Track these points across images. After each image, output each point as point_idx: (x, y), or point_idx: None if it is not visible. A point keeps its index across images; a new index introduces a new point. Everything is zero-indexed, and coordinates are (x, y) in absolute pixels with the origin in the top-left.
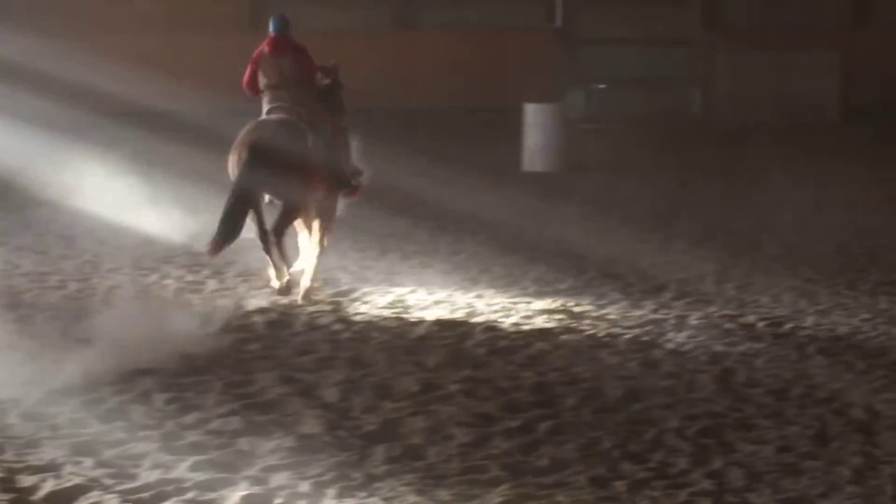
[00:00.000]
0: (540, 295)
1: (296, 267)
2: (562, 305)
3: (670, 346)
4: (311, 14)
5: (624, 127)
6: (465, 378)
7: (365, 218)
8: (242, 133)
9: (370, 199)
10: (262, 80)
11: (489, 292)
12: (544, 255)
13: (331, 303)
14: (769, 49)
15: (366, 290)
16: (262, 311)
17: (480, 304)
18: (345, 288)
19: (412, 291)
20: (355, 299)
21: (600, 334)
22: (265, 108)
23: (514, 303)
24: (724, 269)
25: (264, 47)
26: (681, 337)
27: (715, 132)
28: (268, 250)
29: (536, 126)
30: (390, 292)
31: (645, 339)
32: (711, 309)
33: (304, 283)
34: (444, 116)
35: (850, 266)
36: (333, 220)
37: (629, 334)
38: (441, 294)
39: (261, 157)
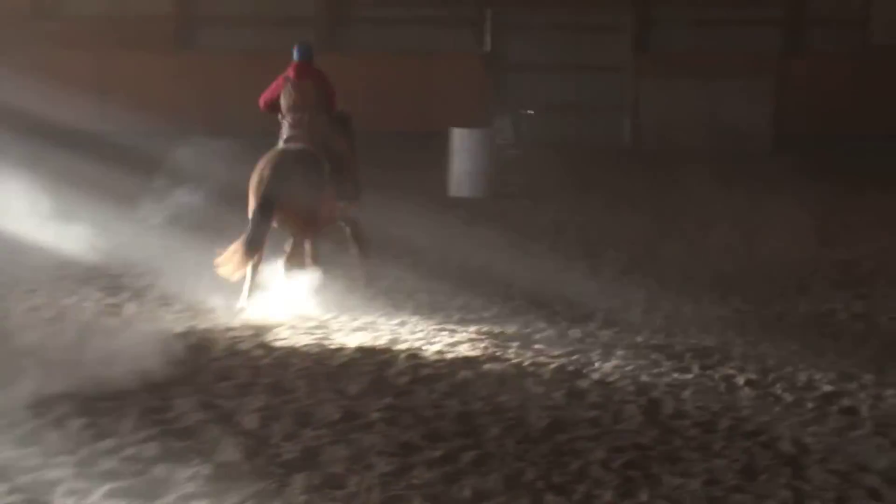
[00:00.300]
0: (465, 322)
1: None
2: (487, 333)
3: (596, 375)
4: (234, 36)
5: (552, 153)
6: (387, 406)
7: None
8: (264, 160)
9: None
10: (284, 103)
11: (413, 319)
12: (470, 281)
13: (251, 327)
14: (700, 75)
15: (288, 312)
16: (181, 335)
17: (404, 331)
18: (266, 310)
19: (335, 317)
20: (277, 324)
21: (526, 363)
22: (285, 132)
23: (439, 330)
24: (652, 298)
25: (289, 73)
26: (607, 366)
27: (644, 159)
28: (252, 264)
29: (463, 151)
30: (312, 318)
31: (571, 368)
32: (639, 338)
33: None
34: (370, 140)
35: (780, 296)
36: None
37: (555, 363)
38: (364, 320)
39: (281, 180)
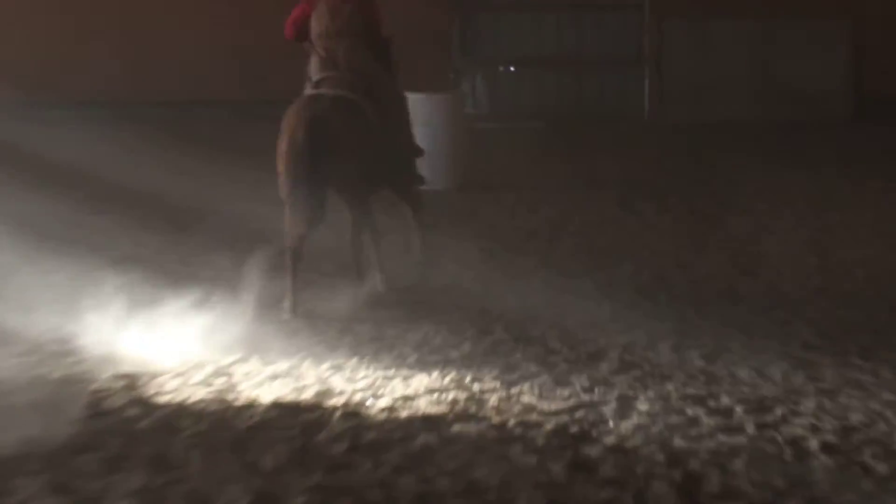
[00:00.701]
0: (424, 366)
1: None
2: (455, 381)
3: (611, 439)
4: None
5: (542, 126)
6: (315, 486)
7: (170, 252)
8: (293, 116)
9: (187, 227)
10: (315, 27)
11: (351, 362)
12: (431, 308)
13: (122, 377)
14: (748, 13)
15: (174, 357)
16: (25, 387)
17: (339, 380)
18: (144, 353)
19: (241, 360)
20: (159, 372)
21: (511, 423)
22: (314, 70)
23: (388, 377)
24: (685, 329)
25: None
26: (626, 426)
27: (669, 132)
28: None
29: (420, 126)
30: (209, 361)
31: (574, 430)
32: (668, 387)
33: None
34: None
35: (865, 326)
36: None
37: (552, 423)
38: (282, 365)
39: (320, 139)
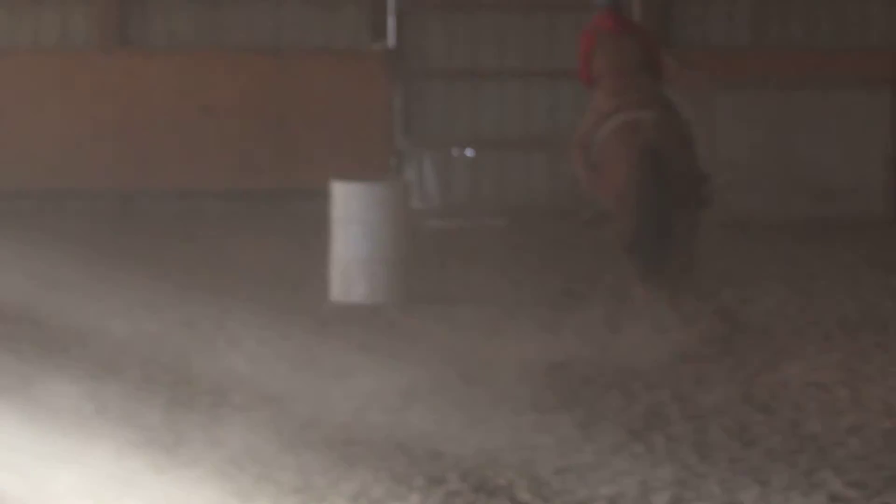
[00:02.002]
0: None
1: None
2: None
3: None
4: None
5: (506, 224)
6: None
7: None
8: (616, 133)
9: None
10: (599, 63)
11: None
12: (370, 450)
13: None
14: (769, 84)
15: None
16: None
17: None
18: None
19: None
20: None
21: None
22: (606, 101)
23: None
24: (686, 479)
25: (602, 24)
26: None
27: None
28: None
29: (352, 223)
30: None
31: None
32: None
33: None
34: (182, 206)
35: None
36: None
37: None
38: None
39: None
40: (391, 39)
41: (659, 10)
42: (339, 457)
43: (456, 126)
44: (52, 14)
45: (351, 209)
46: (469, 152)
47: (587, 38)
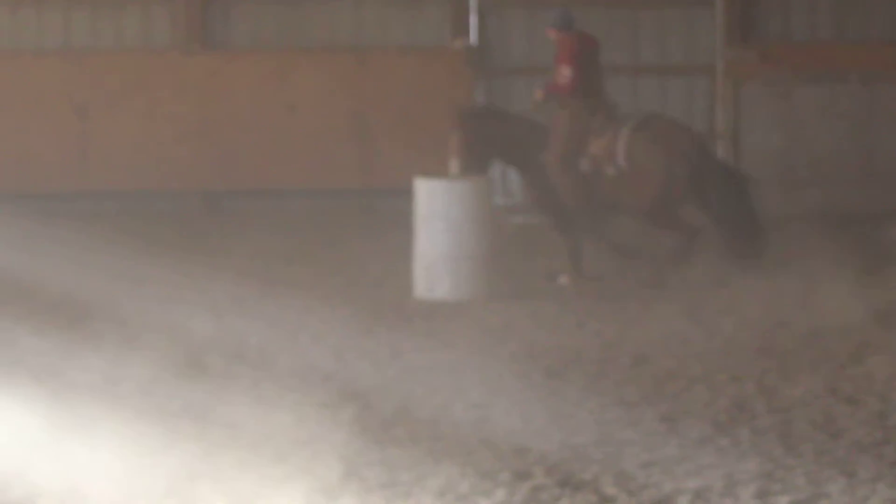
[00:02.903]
0: None
1: None
2: None
3: None
4: None
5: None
6: None
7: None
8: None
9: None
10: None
11: None
12: (456, 446)
13: None
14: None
15: None
16: None
17: None
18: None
19: None
20: None
21: None
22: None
23: None
24: (771, 472)
25: (577, 42)
26: None
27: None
28: None
29: (436, 220)
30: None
31: None
32: None
33: None
34: (269, 203)
35: None
36: None
37: None
38: None
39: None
40: (473, 37)
41: (741, 4)
42: (425, 452)
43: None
44: (134, 15)
45: (434, 206)
46: None
47: (575, 55)
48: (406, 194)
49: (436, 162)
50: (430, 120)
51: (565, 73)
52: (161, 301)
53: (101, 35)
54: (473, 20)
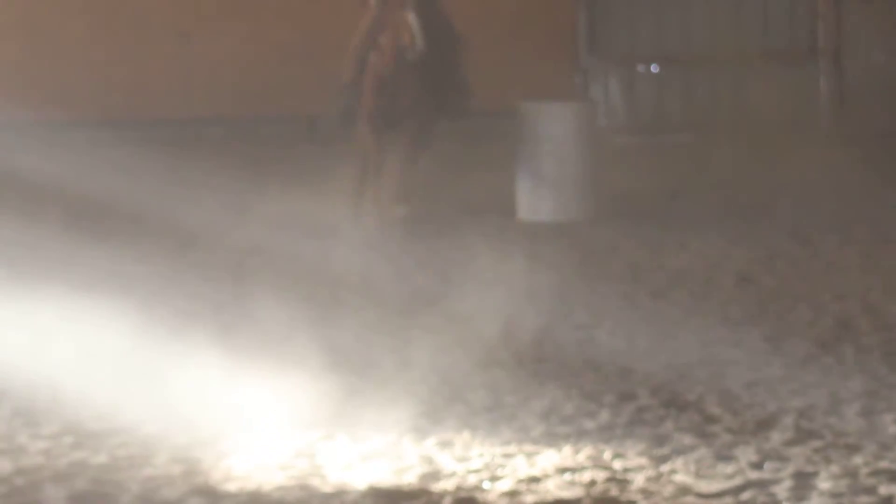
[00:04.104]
0: (553, 440)
1: None
2: (593, 459)
3: None
4: None
5: (693, 140)
6: None
7: (232, 306)
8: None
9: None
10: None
11: (462, 437)
12: (560, 367)
13: (182, 459)
14: None
15: (246, 431)
16: (59, 476)
17: (447, 459)
18: (208, 429)
19: (327, 436)
20: (225, 451)
21: None
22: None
23: (508, 455)
24: (876, 390)
25: None
26: None
27: (853, 145)
28: None
29: (540, 142)
30: (290, 436)
31: None
32: (857, 460)
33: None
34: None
35: None
36: None
37: None
38: (378, 440)
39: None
40: None
41: None
42: (529, 375)
43: (641, 43)
44: None
45: (539, 128)
46: (654, 69)
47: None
48: (512, 116)
49: (541, 83)
50: (532, 42)
51: None
52: (266, 229)
53: None
54: None
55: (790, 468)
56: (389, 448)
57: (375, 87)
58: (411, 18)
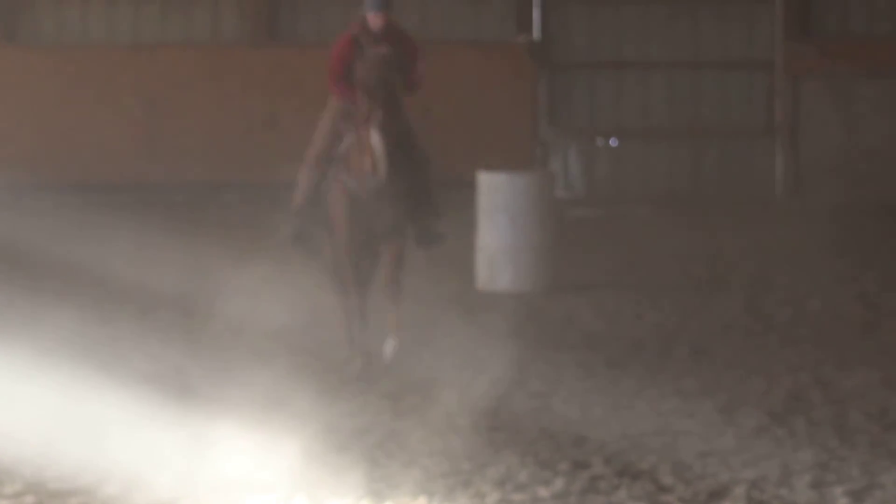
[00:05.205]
0: None
1: None
2: None
3: None
4: None
5: (650, 212)
6: None
7: (193, 368)
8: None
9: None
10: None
11: (419, 501)
12: (516, 436)
13: None
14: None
15: (201, 495)
16: None
17: None
18: (167, 491)
19: (285, 498)
20: None
21: None
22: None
23: None
24: (827, 462)
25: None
26: None
27: (808, 219)
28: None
29: (498, 212)
30: (250, 498)
31: None
32: None
33: None
34: None
35: None
36: None
37: None
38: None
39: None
40: (537, 32)
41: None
42: (485, 442)
43: (600, 117)
44: (203, 10)
45: (497, 198)
46: (613, 142)
47: (344, 45)
48: (470, 186)
49: (499, 154)
50: (493, 113)
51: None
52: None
53: (170, 30)
54: (537, 15)
55: None
56: None
57: (349, 213)
58: (374, 140)
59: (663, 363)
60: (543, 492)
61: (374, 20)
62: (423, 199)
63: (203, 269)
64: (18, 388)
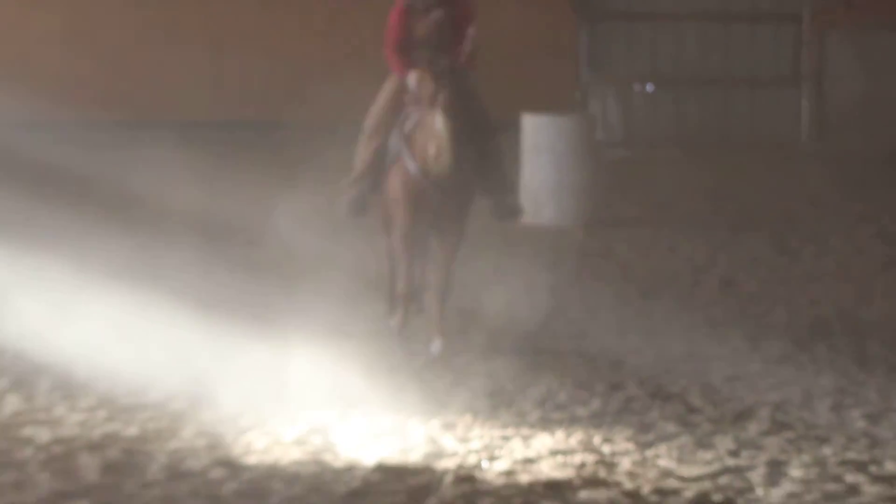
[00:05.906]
0: (547, 424)
1: None
2: (583, 442)
3: None
4: None
5: (683, 155)
6: None
7: (254, 293)
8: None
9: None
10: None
11: (464, 419)
12: (556, 359)
13: (206, 433)
14: None
15: (264, 411)
16: (95, 447)
17: (450, 440)
18: (231, 407)
19: (340, 416)
20: (246, 427)
21: (645, 490)
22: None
23: (506, 437)
24: (847, 387)
25: None
26: (776, 495)
27: (831, 162)
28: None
29: (541, 152)
30: (306, 414)
31: (718, 498)
32: (826, 450)
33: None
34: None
35: None
36: None
37: (692, 490)
38: (387, 421)
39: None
40: None
41: None
42: (527, 364)
43: (637, 64)
44: None
45: (540, 139)
46: (649, 88)
47: (399, 14)
48: (516, 128)
49: (543, 98)
50: (536, 60)
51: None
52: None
53: None
54: None
55: (764, 456)
56: (397, 428)
57: (412, 199)
58: (439, 123)
59: (694, 294)
60: (581, 411)
61: None
62: (494, 174)
63: (264, 200)
64: (93, 309)
